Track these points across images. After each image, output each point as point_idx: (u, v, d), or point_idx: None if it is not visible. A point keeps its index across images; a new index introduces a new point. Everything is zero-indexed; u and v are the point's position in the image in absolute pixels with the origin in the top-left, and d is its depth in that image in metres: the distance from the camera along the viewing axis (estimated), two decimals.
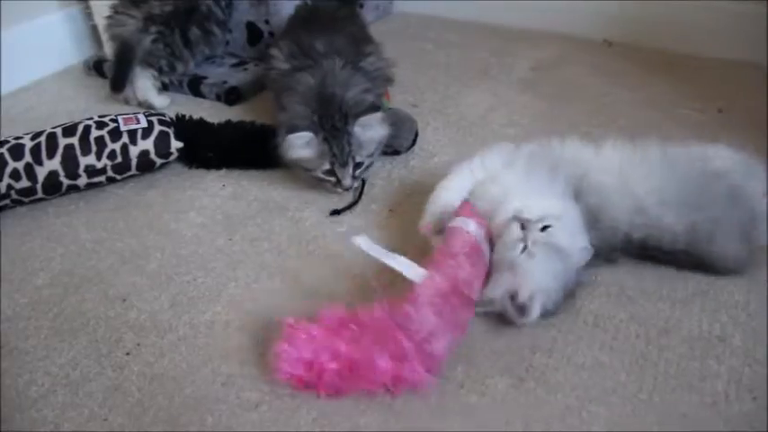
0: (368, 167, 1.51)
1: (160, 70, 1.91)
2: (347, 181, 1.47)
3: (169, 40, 1.89)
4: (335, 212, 1.44)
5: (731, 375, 1.04)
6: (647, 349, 1.09)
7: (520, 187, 1.23)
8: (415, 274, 1.10)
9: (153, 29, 1.87)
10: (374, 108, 1.50)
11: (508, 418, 1.00)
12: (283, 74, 1.64)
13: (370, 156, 1.50)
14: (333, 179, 1.48)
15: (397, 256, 1.14)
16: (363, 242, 1.15)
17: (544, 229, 1.14)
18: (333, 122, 1.45)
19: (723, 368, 1.06)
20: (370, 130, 1.48)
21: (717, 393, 1.02)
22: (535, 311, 1.09)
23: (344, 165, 1.46)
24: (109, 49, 2.02)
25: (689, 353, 1.08)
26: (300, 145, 1.45)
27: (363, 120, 1.46)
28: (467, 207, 1.25)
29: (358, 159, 1.47)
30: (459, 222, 1.20)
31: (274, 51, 1.71)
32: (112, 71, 1.93)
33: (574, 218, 1.19)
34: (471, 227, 1.19)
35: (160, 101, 1.90)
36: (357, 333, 1.03)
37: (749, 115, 1.71)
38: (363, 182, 1.52)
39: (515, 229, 1.15)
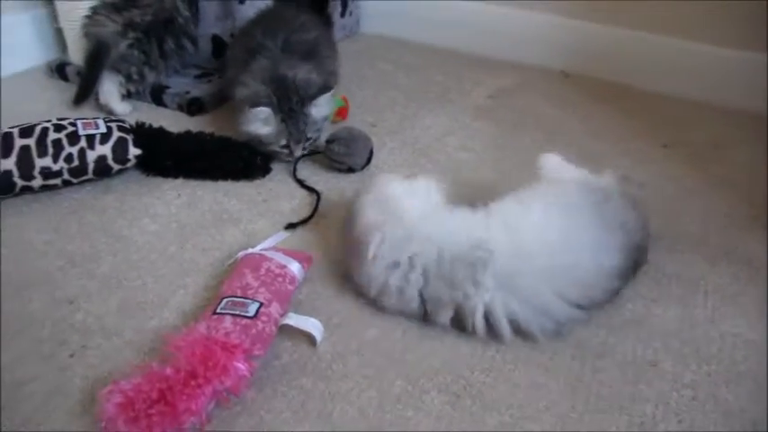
0: (316, 140, 1.70)
1: (128, 78, 1.91)
2: (298, 152, 1.67)
3: (146, 48, 1.91)
4: (291, 226, 1.47)
5: (660, 399, 1.08)
6: (582, 371, 1.13)
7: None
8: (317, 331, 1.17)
9: (131, 35, 1.88)
10: (326, 88, 1.67)
11: None
12: (237, 67, 1.75)
13: (318, 130, 1.69)
14: (286, 151, 1.66)
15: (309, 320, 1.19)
16: (293, 320, 1.18)
17: None
18: (290, 105, 1.62)
19: (652, 392, 1.09)
20: (321, 109, 1.67)
21: (645, 415, 1.05)
22: None
23: (299, 141, 1.65)
24: (75, 52, 2.03)
25: (621, 376, 1.12)
26: (261, 119, 1.61)
27: (317, 101, 1.64)
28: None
29: (309, 135, 1.66)
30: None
31: (229, 53, 1.88)
32: (81, 77, 1.94)
33: None
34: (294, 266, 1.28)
35: (122, 107, 1.91)
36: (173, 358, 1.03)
37: (692, 151, 1.77)
38: (318, 197, 1.55)
39: None
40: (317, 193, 1.57)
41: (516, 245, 1.19)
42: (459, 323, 1.19)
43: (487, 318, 1.17)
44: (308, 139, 1.67)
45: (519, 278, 1.16)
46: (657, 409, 1.07)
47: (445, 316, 1.19)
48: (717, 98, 1.98)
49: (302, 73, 1.67)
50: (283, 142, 1.64)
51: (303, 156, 1.69)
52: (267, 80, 1.64)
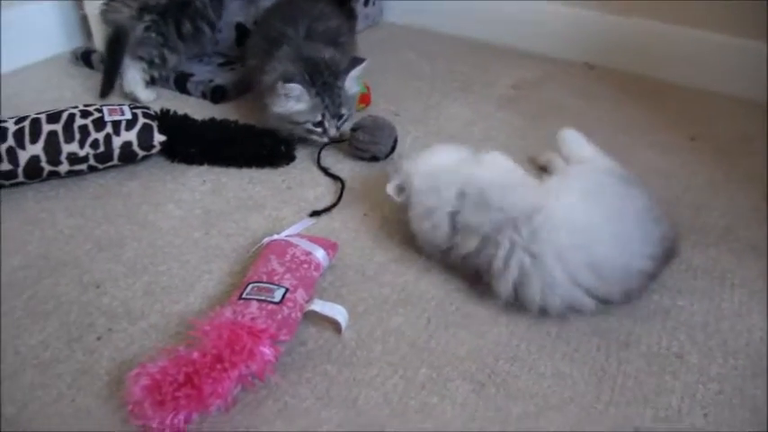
0: (348, 118, 1.69)
1: (150, 63, 1.92)
2: (333, 131, 1.66)
3: (163, 30, 1.90)
4: (315, 213, 1.47)
5: (685, 391, 1.08)
6: (607, 362, 1.12)
7: None
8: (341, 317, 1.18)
9: (147, 17, 1.88)
10: (359, 60, 1.72)
11: (465, 420, 1.02)
12: (260, 56, 1.76)
13: (350, 108, 1.69)
14: (320, 130, 1.65)
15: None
16: (317, 306, 1.18)
17: None
18: (323, 79, 1.62)
19: (678, 384, 1.09)
20: (353, 83, 1.69)
21: (670, 408, 1.05)
22: None
23: (334, 116, 1.65)
24: (99, 40, 2.04)
25: (646, 368, 1.12)
26: (294, 96, 1.61)
27: (352, 73, 1.66)
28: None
29: (343, 111, 1.66)
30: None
31: (250, 42, 1.88)
32: (104, 66, 1.95)
33: None
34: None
35: (146, 94, 1.92)
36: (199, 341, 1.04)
37: (720, 144, 1.75)
38: (343, 185, 1.55)
39: None
40: (342, 181, 1.57)
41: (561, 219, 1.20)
42: (478, 275, 1.23)
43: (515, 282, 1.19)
44: (341, 117, 1.66)
45: (557, 249, 1.17)
46: (683, 402, 1.06)
47: (470, 244, 1.22)
48: (745, 91, 1.96)
49: (329, 54, 1.68)
50: (318, 118, 1.63)
51: (329, 143, 1.70)
52: (296, 61, 1.65)
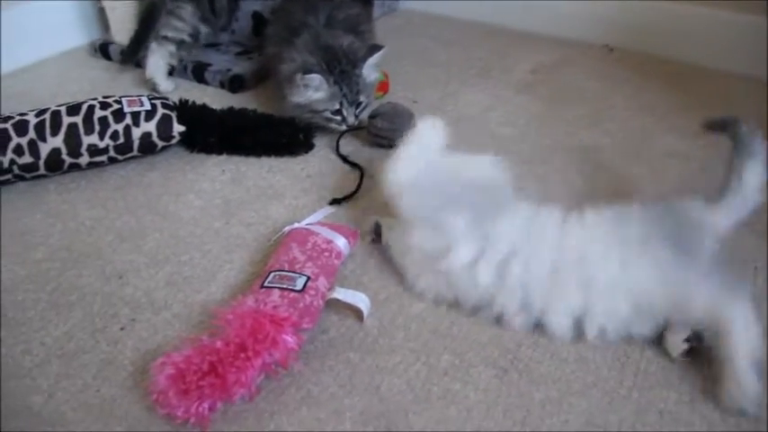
0: (367, 106, 1.70)
1: (180, 43, 1.94)
2: (351, 119, 1.67)
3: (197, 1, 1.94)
4: (336, 201, 1.47)
5: (709, 376, 1.07)
6: (630, 348, 1.12)
7: None
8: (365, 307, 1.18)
9: None
10: (377, 47, 1.70)
11: (489, 405, 1.03)
12: (279, 44, 1.76)
13: (369, 96, 1.70)
14: (338, 118, 1.67)
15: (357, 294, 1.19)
16: (341, 294, 1.18)
17: None
18: (341, 67, 1.63)
19: (702, 369, 1.08)
20: (371, 71, 1.69)
21: (694, 392, 1.05)
22: None
23: (352, 104, 1.66)
24: (118, 32, 2.08)
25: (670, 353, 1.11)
26: (313, 86, 1.62)
27: (369, 61, 1.66)
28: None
29: (361, 99, 1.67)
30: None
31: (269, 30, 1.88)
32: (133, 34, 1.96)
33: None
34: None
35: (166, 84, 1.93)
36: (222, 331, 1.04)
37: None
38: (362, 173, 1.55)
39: None
40: (361, 169, 1.57)
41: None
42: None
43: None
44: (359, 104, 1.67)
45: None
46: (708, 386, 1.05)
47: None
48: (766, 73, 1.93)
49: (347, 42, 1.68)
50: (336, 106, 1.64)
51: (347, 131, 1.70)
52: (314, 50, 1.65)
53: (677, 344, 1.09)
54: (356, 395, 1.04)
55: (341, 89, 1.63)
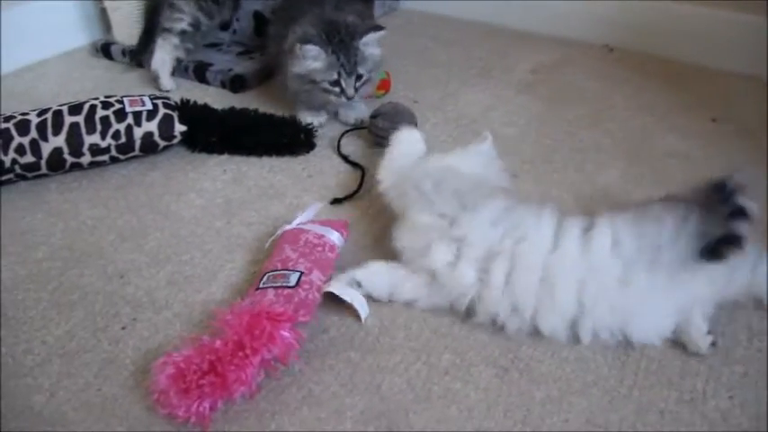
0: (367, 82, 1.70)
1: (182, 33, 1.95)
2: (350, 91, 1.66)
3: None
4: (337, 201, 1.47)
5: (710, 374, 1.07)
6: (630, 346, 1.12)
7: None
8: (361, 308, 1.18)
9: None
10: (377, 27, 1.70)
11: (490, 404, 1.03)
12: (281, 42, 1.76)
13: (370, 71, 1.69)
14: (337, 89, 1.66)
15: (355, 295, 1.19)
16: (336, 287, 1.18)
17: None
18: (340, 37, 1.63)
19: (703, 367, 1.08)
20: (372, 48, 1.69)
21: (695, 391, 1.05)
22: None
23: (350, 74, 1.64)
24: (119, 32, 2.10)
25: (671, 351, 1.11)
26: (311, 57, 1.62)
27: (367, 37, 1.66)
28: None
29: (360, 71, 1.66)
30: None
31: (271, 29, 1.91)
32: (140, 32, 1.99)
33: None
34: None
35: (169, 82, 1.94)
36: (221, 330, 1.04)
37: (743, 126, 1.73)
38: (364, 172, 1.55)
39: None
40: (362, 169, 1.57)
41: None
42: None
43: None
44: (359, 77, 1.66)
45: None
46: (708, 385, 1.06)
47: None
48: (766, 72, 1.93)
49: (350, 18, 1.70)
50: (334, 76, 1.64)
51: (350, 130, 1.71)
52: (317, 24, 1.66)
53: (703, 338, 1.10)
54: (357, 394, 1.05)
55: (338, 59, 1.62)
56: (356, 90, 1.67)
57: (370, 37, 1.67)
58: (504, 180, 1.31)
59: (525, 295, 1.12)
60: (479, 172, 1.27)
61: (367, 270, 1.22)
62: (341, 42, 1.63)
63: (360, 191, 1.51)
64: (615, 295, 1.10)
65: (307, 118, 1.73)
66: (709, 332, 1.10)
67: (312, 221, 1.34)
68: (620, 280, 1.10)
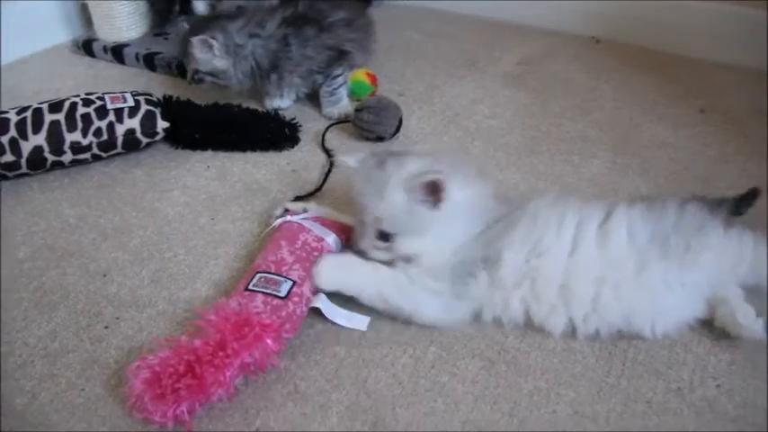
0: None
1: None
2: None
3: None
4: (298, 198, 1.44)
5: (697, 363, 1.07)
6: (618, 336, 1.11)
7: None
8: (360, 325, 1.15)
9: None
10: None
11: (477, 397, 1.02)
12: None
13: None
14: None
15: (348, 314, 1.16)
16: (321, 303, 1.15)
17: None
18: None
19: (690, 356, 1.08)
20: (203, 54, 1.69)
21: (682, 380, 1.05)
22: None
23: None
24: (100, 28, 2.10)
25: (658, 341, 1.11)
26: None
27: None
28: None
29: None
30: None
31: None
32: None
33: None
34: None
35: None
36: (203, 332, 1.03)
37: (730, 116, 1.73)
38: (330, 167, 1.55)
39: None
40: (331, 163, 1.56)
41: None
42: None
43: None
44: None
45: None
46: (695, 374, 1.05)
47: None
48: (754, 62, 1.93)
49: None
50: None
51: (333, 125, 1.72)
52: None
53: (754, 321, 1.09)
54: (343, 389, 1.04)
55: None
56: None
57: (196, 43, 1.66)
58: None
59: (543, 305, 1.11)
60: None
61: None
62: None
63: (322, 187, 1.49)
64: (631, 288, 1.09)
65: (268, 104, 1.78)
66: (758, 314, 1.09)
67: (315, 219, 1.28)
68: (636, 271, 1.10)
